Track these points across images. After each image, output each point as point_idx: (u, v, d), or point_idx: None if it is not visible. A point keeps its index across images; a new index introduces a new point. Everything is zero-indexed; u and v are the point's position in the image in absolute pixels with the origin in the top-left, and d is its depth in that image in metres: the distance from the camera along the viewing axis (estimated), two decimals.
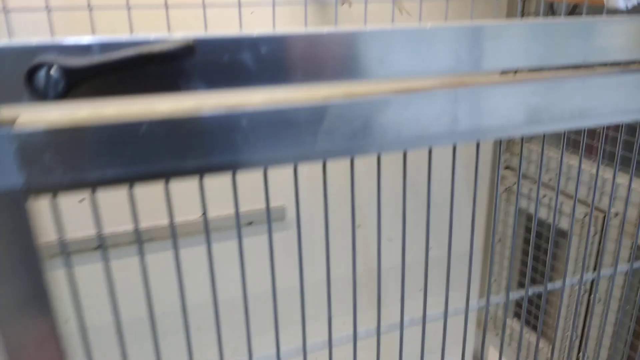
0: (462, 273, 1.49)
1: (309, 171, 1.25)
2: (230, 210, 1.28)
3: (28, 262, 0.31)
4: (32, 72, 0.26)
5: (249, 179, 1.17)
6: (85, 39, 0.29)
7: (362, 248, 1.53)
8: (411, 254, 1.35)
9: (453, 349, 0.73)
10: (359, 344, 0.49)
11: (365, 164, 1.26)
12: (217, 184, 1.03)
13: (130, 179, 0.32)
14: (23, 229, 0.31)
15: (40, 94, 0.26)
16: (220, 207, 1.26)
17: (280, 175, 1.20)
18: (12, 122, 0.29)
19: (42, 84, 0.26)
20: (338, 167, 1.05)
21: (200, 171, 0.34)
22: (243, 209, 1.29)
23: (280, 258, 1.35)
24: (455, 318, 0.71)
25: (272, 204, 1.33)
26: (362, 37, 0.35)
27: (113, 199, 0.97)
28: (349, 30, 0.34)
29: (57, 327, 0.34)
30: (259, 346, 1.33)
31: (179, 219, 1.23)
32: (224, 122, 0.33)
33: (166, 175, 0.33)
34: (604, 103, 0.45)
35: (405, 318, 0.54)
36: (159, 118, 0.31)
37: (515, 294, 0.60)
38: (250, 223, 1.32)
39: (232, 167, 0.35)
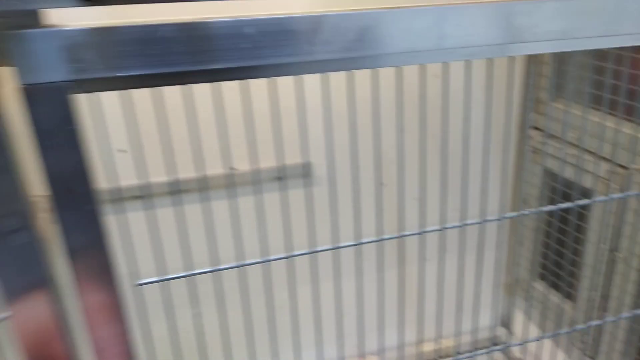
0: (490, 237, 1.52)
1: (336, 127, 1.30)
2: (259, 165, 1.34)
3: (71, 145, 0.38)
4: None
5: (278, 135, 1.23)
6: None
7: (388, 207, 1.57)
8: (436, 215, 1.39)
9: (483, 312, 0.76)
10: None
11: (392, 124, 1.30)
12: (246, 139, 1.09)
13: (154, 79, 0.39)
14: (67, 117, 0.37)
15: None
16: (249, 162, 1.33)
17: (307, 132, 1.25)
18: (58, 23, 0.36)
19: None
20: (365, 127, 1.09)
21: (213, 76, 0.40)
22: (271, 164, 1.35)
23: (306, 214, 1.42)
24: (483, 283, 0.75)
25: (299, 160, 1.39)
26: None
27: (150, 150, 1.04)
28: None
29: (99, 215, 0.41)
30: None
31: (208, 172, 1.31)
32: (232, 28, 0.38)
33: (184, 77, 0.39)
34: (587, 26, 0.48)
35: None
36: (178, 23, 0.37)
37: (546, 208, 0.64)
38: (279, 178, 1.38)
39: (240, 73, 0.40)
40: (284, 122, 1.07)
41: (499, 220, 0.64)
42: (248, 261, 0.60)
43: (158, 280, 0.54)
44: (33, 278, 0.39)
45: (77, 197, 0.39)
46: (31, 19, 0.35)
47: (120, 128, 1.17)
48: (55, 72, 0.36)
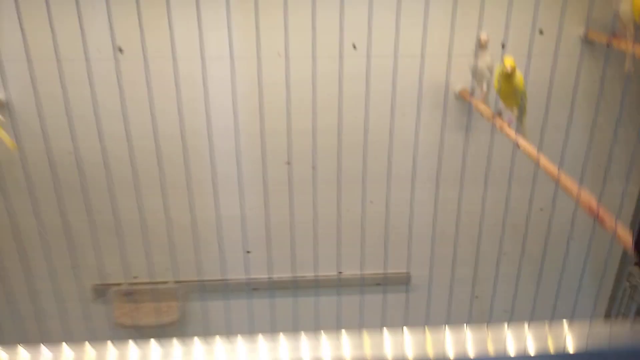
0: None
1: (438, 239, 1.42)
2: (361, 271, 1.51)
3: None
4: None
5: (380, 246, 1.38)
6: None
7: (479, 318, 1.65)
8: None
9: None
10: None
11: (490, 243, 1.40)
12: (353, 246, 1.26)
13: None
14: None
15: None
16: (355, 267, 1.51)
17: (407, 242, 1.38)
18: None
19: None
20: (464, 240, 1.22)
21: None
22: (372, 271, 1.51)
23: (401, 317, 1.54)
24: None
25: (398, 269, 1.54)
26: None
27: (278, 250, 1.25)
28: None
29: None
30: None
31: (322, 273, 1.49)
32: None
33: None
34: None
35: None
36: None
37: None
38: (377, 284, 1.55)
39: None
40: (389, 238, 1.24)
41: None
42: None
43: None
44: None
45: None
46: None
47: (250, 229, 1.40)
48: None
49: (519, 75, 1.07)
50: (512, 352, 0.70)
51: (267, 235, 1.33)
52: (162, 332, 1.49)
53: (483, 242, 1.39)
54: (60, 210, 1.07)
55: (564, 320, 0.75)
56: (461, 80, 1.37)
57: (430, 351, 0.68)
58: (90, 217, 1.12)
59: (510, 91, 1.09)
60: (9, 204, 1.00)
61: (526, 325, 0.74)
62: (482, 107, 1.20)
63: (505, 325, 0.73)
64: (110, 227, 1.10)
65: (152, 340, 0.67)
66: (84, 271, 1.38)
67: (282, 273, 1.49)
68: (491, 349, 0.69)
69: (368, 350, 0.68)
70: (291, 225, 1.22)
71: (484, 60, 1.19)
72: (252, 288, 1.50)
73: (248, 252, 1.47)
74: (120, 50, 1.26)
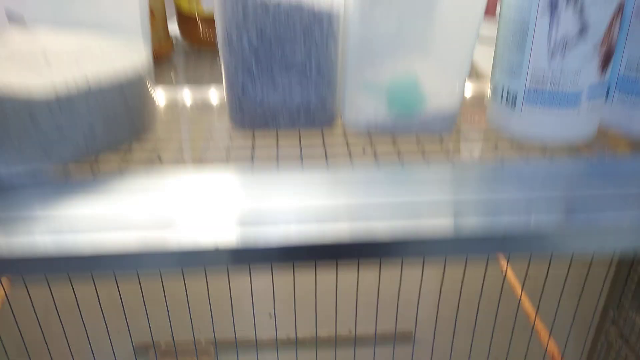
0: None
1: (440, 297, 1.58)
2: (369, 329, 1.70)
3: None
4: None
5: (386, 304, 1.55)
6: None
7: None
8: None
9: None
10: None
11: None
12: (368, 301, 1.44)
13: None
14: None
15: None
16: (368, 324, 1.69)
17: (411, 299, 1.54)
18: None
19: None
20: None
21: None
22: (378, 329, 1.70)
23: None
24: None
25: (402, 327, 1.73)
26: None
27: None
28: None
29: None
30: None
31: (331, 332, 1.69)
32: None
33: None
34: None
35: None
36: None
37: None
38: (382, 341, 1.75)
39: None
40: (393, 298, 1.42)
41: None
42: None
43: None
44: None
45: None
46: None
47: (269, 294, 1.59)
48: None
49: None
50: None
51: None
52: None
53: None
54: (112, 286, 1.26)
55: None
56: None
57: None
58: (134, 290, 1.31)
59: None
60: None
61: None
62: None
63: None
64: (154, 297, 1.29)
65: None
66: (126, 333, 1.59)
67: (303, 332, 1.69)
68: None
69: None
70: (316, 300, 1.41)
71: None
72: (275, 345, 1.71)
73: (270, 315, 1.68)
74: None
